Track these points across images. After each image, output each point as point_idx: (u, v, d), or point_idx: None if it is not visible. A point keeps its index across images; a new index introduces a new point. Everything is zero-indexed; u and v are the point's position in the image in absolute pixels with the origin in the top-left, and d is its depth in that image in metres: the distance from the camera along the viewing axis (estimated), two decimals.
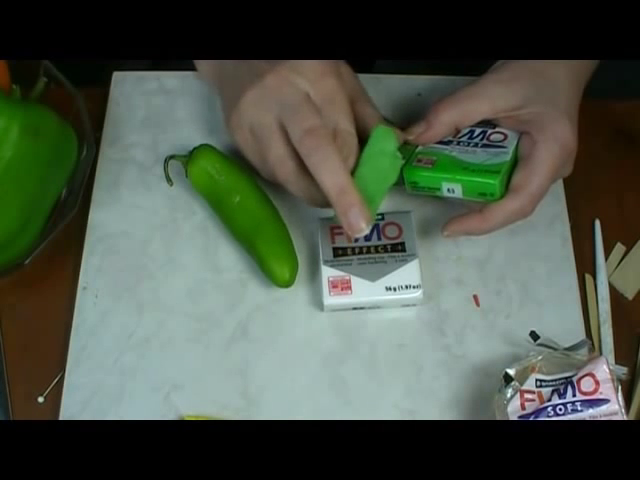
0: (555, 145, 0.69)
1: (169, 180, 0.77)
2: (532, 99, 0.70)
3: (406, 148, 0.72)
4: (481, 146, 0.71)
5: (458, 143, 0.72)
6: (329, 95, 0.68)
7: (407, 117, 0.79)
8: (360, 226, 0.66)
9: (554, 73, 0.70)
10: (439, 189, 0.71)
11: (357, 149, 0.69)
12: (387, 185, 0.69)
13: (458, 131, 0.72)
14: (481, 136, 0.72)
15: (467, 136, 0.72)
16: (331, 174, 0.66)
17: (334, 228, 0.74)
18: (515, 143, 0.71)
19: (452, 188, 0.70)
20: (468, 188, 0.70)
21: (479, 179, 0.69)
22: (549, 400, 0.65)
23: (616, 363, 0.69)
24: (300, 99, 0.67)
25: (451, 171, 0.70)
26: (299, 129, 0.66)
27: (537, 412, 0.65)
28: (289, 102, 0.67)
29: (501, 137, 0.72)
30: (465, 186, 0.70)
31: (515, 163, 0.70)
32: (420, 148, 0.73)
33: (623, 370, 0.67)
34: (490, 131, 0.72)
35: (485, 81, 0.71)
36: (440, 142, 0.72)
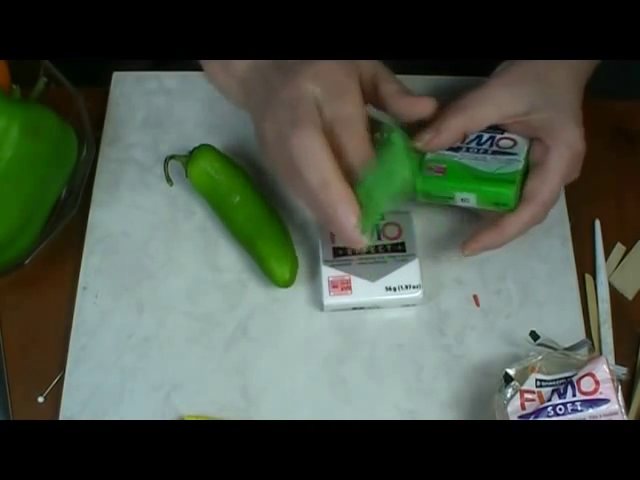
0: (567, 151, 0.68)
1: (169, 180, 0.77)
2: (539, 104, 0.69)
3: (414, 156, 0.72)
4: (491, 152, 0.70)
5: (467, 149, 0.71)
6: (336, 86, 0.64)
7: None
8: (351, 222, 0.60)
9: (556, 75, 0.70)
10: (452, 198, 0.70)
11: (365, 132, 0.64)
12: (396, 185, 0.64)
13: (466, 137, 0.72)
14: (490, 142, 0.71)
15: (475, 142, 0.71)
16: (312, 168, 0.60)
17: None
18: (526, 150, 0.70)
19: (466, 198, 0.70)
20: (482, 198, 0.69)
21: (494, 189, 0.69)
22: (549, 400, 0.65)
23: (616, 363, 0.69)
24: (301, 100, 0.63)
25: (465, 180, 0.69)
26: (289, 127, 0.62)
27: (537, 412, 0.65)
28: (295, 105, 0.64)
29: (510, 143, 0.71)
30: (479, 196, 0.69)
31: (527, 170, 0.70)
32: (429, 155, 0.72)
33: (623, 370, 0.67)
34: (499, 137, 0.71)
35: (490, 86, 0.71)
36: (449, 148, 0.72)
